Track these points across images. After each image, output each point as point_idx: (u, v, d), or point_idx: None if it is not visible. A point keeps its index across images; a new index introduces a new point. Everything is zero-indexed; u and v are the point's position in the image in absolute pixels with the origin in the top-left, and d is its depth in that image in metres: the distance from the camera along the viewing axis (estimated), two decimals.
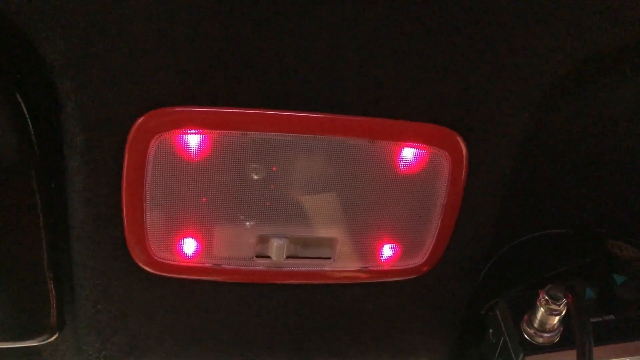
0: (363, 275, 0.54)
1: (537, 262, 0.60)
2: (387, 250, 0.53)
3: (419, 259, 0.54)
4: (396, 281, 0.56)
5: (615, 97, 0.53)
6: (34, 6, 0.39)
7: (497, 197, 0.53)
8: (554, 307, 0.50)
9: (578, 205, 0.61)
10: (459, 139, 0.48)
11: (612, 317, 0.55)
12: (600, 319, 0.54)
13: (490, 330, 0.58)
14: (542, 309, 0.51)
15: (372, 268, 0.54)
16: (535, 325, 0.52)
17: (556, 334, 0.52)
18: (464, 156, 0.49)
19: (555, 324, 0.51)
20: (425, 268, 0.55)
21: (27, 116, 0.44)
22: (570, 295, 0.47)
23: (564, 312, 0.50)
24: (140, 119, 0.43)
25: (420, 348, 0.62)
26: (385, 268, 0.54)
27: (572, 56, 0.46)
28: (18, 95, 0.43)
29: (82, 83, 0.41)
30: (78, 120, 0.43)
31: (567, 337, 0.53)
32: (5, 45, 0.41)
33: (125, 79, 0.41)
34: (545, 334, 0.52)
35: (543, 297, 0.50)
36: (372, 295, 0.56)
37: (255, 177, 0.47)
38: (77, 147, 0.44)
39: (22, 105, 0.43)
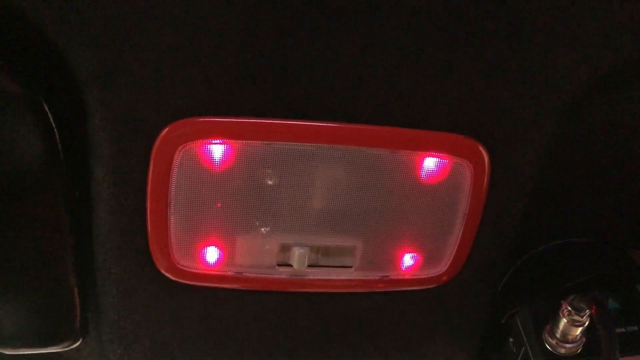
0: (384, 283, 0.54)
1: (558, 271, 0.59)
2: (408, 260, 0.53)
3: (439, 268, 0.54)
4: (417, 290, 0.56)
5: (639, 108, 0.52)
6: (65, 19, 0.39)
7: (519, 207, 0.52)
8: (577, 318, 0.50)
9: (601, 214, 0.60)
10: (482, 149, 0.48)
11: (635, 328, 0.55)
12: (623, 330, 0.54)
13: (511, 339, 0.58)
14: (564, 320, 0.50)
15: (392, 277, 0.54)
16: (558, 335, 0.52)
17: (578, 345, 0.52)
18: (487, 166, 0.49)
19: (577, 335, 0.51)
20: (445, 277, 0.55)
21: (54, 126, 0.44)
22: (594, 307, 0.47)
23: (587, 324, 0.50)
24: (166, 129, 0.43)
25: (440, 356, 0.62)
26: (406, 277, 0.54)
27: (597, 67, 0.46)
28: (45, 105, 0.43)
29: (109, 94, 0.42)
30: (104, 131, 0.44)
31: (590, 348, 0.52)
32: (35, 56, 0.42)
33: (152, 90, 0.42)
34: (568, 345, 0.52)
35: (566, 308, 0.50)
36: (392, 304, 0.56)
37: (277, 185, 0.47)
38: (103, 157, 0.45)
39: (49, 115, 0.44)
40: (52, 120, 0.44)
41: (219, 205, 0.47)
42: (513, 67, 0.44)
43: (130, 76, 0.41)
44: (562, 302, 0.51)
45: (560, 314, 0.51)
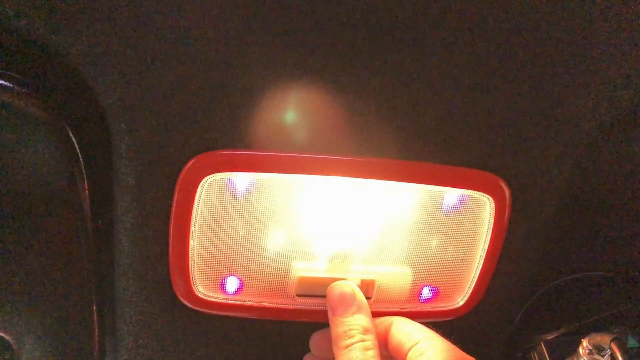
0: (401, 315, 0.54)
1: (575, 306, 0.59)
2: (426, 292, 0.53)
3: (457, 302, 0.54)
4: (434, 322, 0.56)
5: None
6: (93, 52, 0.40)
7: (539, 242, 0.52)
8: (597, 357, 0.49)
9: (619, 248, 0.60)
10: (503, 185, 0.48)
11: None
12: None
13: None
14: (584, 358, 0.50)
15: (410, 309, 0.54)
16: None
17: None
18: (507, 201, 0.49)
19: None
20: (463, 310, 0.55)
21: (79, 153, 0.45)
22: (615, 347, 0.47)
23: None
24: (191, 162, 0.44)
25: None
26: (424, 309, 0.54)
27: (618, 104, 0.46)
28: (71, 133, 0.44)
29: (135, 126, 0.42)
30: (129, 162, 0.44)
31: None
32: (62, 86, 0.42)
33: (178, 123, 0.42)
34: None
35: (586, 346, 0.50)
36: None
37: (298, 218, 0.47)
38: (127, 187, 0.45)
39: (75, 142, 0.44)
40: (77, 148, 0.44)
41: (243, 237, 0.47)
42: (535, 106, 0.45)
43: (157, 109, 0.42)
44: (582, 339, 0.50)
45: (580, 352, 0.50)
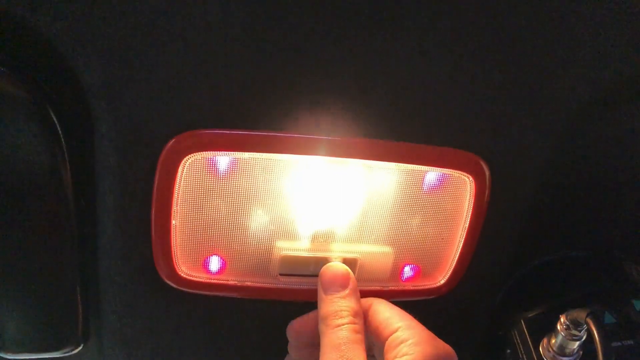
0: (383, 294, 0.55)
1: (555, 284, 0.60)
2: (407, 271, 0.54)
3: (438, 280, 0.55)
4: (416, 301, 0.56)
5: (637, 123, 0.53)
6: (74, 31, 0.40)
7: (519, 221, 0.53)
8: (574, 332, 0.50)
9: (598, 228, 0.61)
10: (483, 164, 0.49)
11: (631, 342, 0.55)
12: (619, 344, 0.55)
13: (508, 351, 0.59)
14: (562, 334, 0.51)
15: (392, 288, 0.55)
16: (555, 349, 0.52)
17: (575, 358, 0.53)
18: (487, 180, 0.50)
19: (575, 349, 0.52)
20: (444, 289, 0.55)
21: (60, 133, 0.45)
22: (592, 322, 0.48)
23: (584, 338, 0.51)
24: (172, 141, 0.44)
25: None
26: (406, 288, 0.55)
27: (597, 84, 0.46)
28: (52, 112, 0.44)
29: (116, 106, 0.42)
30: (111, 142, 0.44)
31: None
32: (43, 65, 0.42)
33: (159, 103, 0.42)
34: (564, 358, 0.52)
35: (564, 322, 0.51)
36: None
37: (280, 197, 0.48)
38: (109, 167, 0.45)
39: (56, 122, 0.44)
40: (58, 127, 0.44)
41: (225, 217, 0.47)
42: (515, 85, 0.45)
43: (138, 88, 0.42)
44: (559, 316, 0.51)
45: (558, 328, 0.51)
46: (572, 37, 0.44)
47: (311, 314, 0.48)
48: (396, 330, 0.44)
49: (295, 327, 0.49)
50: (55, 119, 0.44)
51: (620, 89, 0.48)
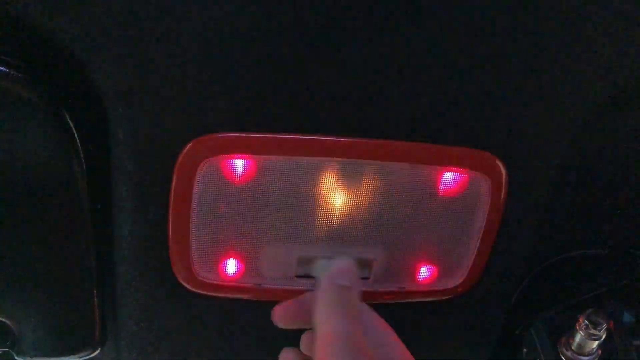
0: (400, 295, 0.55)
1: (572, 283, 0.60)
2: (424, 272, 0.54)
3: (455, 280, 0.55)
4: (432, 301, 0.56)
5: None
6: (90, 37, 0.40)
7: (535, 220, 0.53)
8: (594, 332, 0.50)
9: (614, 226, 0.61)
10: (499, 164, 0.49)
11: None
12: (639, 343, 0.55)
13: (525, 350, 0.59)
14: (581, 333, 0.51)
15: (409, 288, 0.54)
16: (574, 348, 0.52)
17: (594, 358, 0.52)
18: (504, 180, 0.49)
19: (594, 348, 0.52)
20: (461, 289, 0.55)
21: (77, 138, 0.45)
22: (612, 322, 0.48)
23: (603, 337, 0.50)
24: (189, 145, 0.44)
25: None
26: (422, 289, 0.55)
27: (613, 83, 0.46)
28: (67, 117, 0.44)
29: (133, 111, 0.43)
30: (127, 146, 0.44)
31: None
32: (59, 70, 0.42)
33: (176, 107, 0.42)
34: (583, 357, 0.52)
35: (583, 321, 0.51)
36: (408, 315, 0.57)
37: (297, 199, 0.48)
38: (126, 172, 0.45)
39: (72, 127, 0.44)
40: (75, 132, 0.44)
41: (243, 220, 0.47)
42: (531, 85, 0.45)
43: (154, 93, 0.42)
44: (579, 315, 0.51)
45: (577, 327, 0.51)
46: (588, 36, 0.43)
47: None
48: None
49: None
50: (71, 125, 0.44)
51: (636, 88, 0.48)
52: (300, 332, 0.52)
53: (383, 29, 0.41)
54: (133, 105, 0.42)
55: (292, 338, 0.55)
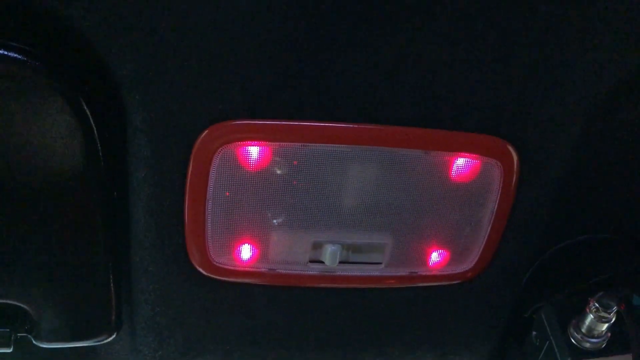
0: (411, 280, 0.56)
1: (581, 267, 0.60)
2: (435, 256, 0.55)
3: (466, 265, 0.55)
4: (443, 285, 0.57)
5: None
6: (108, 24, 0.40)
7: (546, 205, 0.53)
8: (604, 315, 0.51)
9: (624, 211, 0.61)
10: (511, 149, 0.49)
11: None
12: None
13: (534, 333, 0.59)
14: (591, 316, 0.51)
15: (420, 273, 0.55)
16: (583, 330, 0.53)
17: (603, 340, 0.53)
18: (516, 166, 0.50)
19: (604, 331, 0.52)
20: (471, 274, 0.56)
21: (94, 125, 0.45)
22: (623, 305, 0.48)
23: (613, 320, 0.51)
24: (205, 132, 0.44)
25: (463, 349, 0.64)
26: (434, 273, 0.55)
27: (625, 68, 0.46)
28: (84, 105, 0.44)
29: (150, 98, 0.43)
30: (145, 133, 0.45)
31: (615, 343, 0.53)
32: (76, 58, 0.43)
33: (193, 94, 0.43)
34: (593, 340, 0.53)
35: (594, 304, 0.51)
36: (419, 299, 0.58)
37: (311, 185, 0.48)
38: (143, 158, 0.46)
39: (89, 114, 0.44)
40: (91, 120, 0.45)
41: (258, 206, 0.48)
42: (542, 70, 0.45)
43: (171, 80, 0.42)
44: (589, 299, 0.52)
45: (587, 310, 0.52)
46: (599, 20, 0.43)
47: None
48: None
49: None
50: (88, 112, 0.44)
51: None
52: (310, 319, 0.53)
53: (398, 18, 0.41)
54: (150, 92, 0.43)
55: (306, 324, 0.56)
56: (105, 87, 0.44)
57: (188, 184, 0.46)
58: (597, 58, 0.45)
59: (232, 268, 0.51)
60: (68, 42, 0.42)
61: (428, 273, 0.55)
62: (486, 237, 0.53)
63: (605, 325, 0.52)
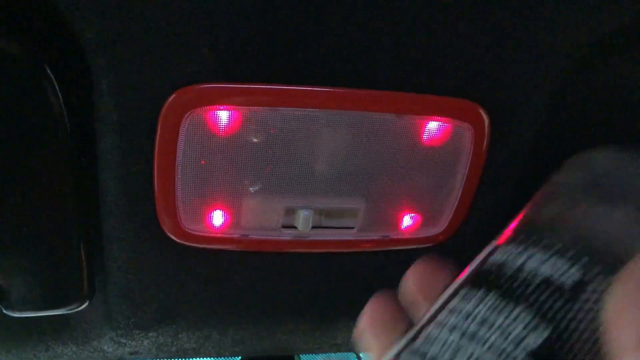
0: (384, 243, 0.56)
1: None
2: (407, 220, 0.55)
3: (438, 229, 0.56)
4: (415, 249, 0.57)
5: (637, 71, 0.53)
6: None
7: (517, 169, 0.54)
8: None
9: None
10: (483, 112, 0.49)
11: None
12: None
13: None
14: None
15: (392, 237, 0.55)
16: None
17: None
18: (487, 129, 0.50)
19: None
20: (442, 237, 0.57)
21: (59, 91, 0.44)
22: None
23: None
24: (173, 96, 0.44)
25: None
26: (405, 237, 0.56)
27: (597, 30, 0.46)
28: (49, 70, 0.43)
29: (116, 61, 0.42)
30: (111, 98, 0.44)
31: None
32: (38, 21, 0.41)
33: (159, 57, 0.42)
34: None
35: None
36: (391, 263, 0.58)
37: (282, 150, 0.48)
38: (110, 124, 0.45)
39: (53, 80, 0.43)
40: (56, 85, 0.44)
41: (228, 171, 0.48)
42: (515, 32, 0.45)
43: (137, 43, 0.41)
44: None
45: None
46: None
47: None
48: None
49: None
50: (53, 77, 0.43)
51: (622, 36, 0.48)
52: (284, 284, 0.53)
53: None
54: (115, 56, 0.42)
55: (279, 290, 0.57)
56: (70, 52, 0.43)
57: (156, 150, 0.46)
58: (570, 19, 0.45)
59: (204, 234, 0.51)
60: (30, 5, 0.41)
61: (400, 237, 0.56)
62: (457, 201, 0.54)
63: None
